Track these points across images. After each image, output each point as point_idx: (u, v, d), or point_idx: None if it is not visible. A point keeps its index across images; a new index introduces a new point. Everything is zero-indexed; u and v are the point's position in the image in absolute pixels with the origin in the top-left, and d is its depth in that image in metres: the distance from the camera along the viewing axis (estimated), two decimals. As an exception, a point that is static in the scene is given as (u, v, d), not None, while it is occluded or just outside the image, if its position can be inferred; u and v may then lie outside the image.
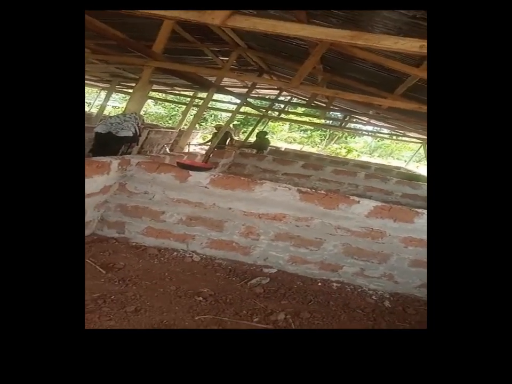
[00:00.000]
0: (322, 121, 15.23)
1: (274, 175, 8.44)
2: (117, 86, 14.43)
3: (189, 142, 12.63)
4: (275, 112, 16.29)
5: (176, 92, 15.80)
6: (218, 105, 21.82)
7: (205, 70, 9.21)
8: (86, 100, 20.47)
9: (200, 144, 13.12)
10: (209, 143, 10.87)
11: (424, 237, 3.62)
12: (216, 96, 13.87)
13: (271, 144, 13.82)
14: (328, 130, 26.43)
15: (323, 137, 28.50)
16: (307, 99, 10.99)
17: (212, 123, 25.72)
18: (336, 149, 25.90)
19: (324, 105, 11.64)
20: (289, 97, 15.39)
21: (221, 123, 14.89)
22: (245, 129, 24.65)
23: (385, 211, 3.70)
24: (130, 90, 12.88)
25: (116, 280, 3.08)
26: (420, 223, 3.65)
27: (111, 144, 5.22)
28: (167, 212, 3.93)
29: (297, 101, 15.08)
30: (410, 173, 11.96)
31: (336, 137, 27.09)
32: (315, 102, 11.52)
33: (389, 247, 3.72)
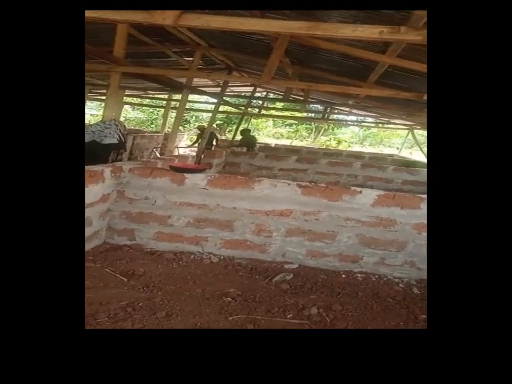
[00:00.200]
0: (304, 114, 15.25)
1: (270, 172, 8.41)
2: (88, 94, 14.28)
3: (177, 145, 12.56)
4: (255, 109, 16.28)
5: (151, 96, 15.74)
6: (197, 106, 21.71)
7: (172, 71, 9.20)
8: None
9: (189, 147, 13.04)
10: (197, 145, 10.81)
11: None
12: (192, 97, 13.84)
13: (259, 141, 13.80)
14: (313, 123, 26.52)
15: (310, 131, 28.60)
16: (283, 94, 10.97)
17: (194, 124, 25.61)
18: (326, 141, 25.96)
19: (302, 98, 11.64)
20: (264, 93, 15.36)
21: (204, 124, 14.82)
22: (230, 128, 24.60)
23: (390, 199, 3.70)
24: (104, 97, 12.76)
25: (140, 287, 3.03)
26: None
27: (98, 152, 5.18)
28: (172, 215, 3.89)
29: (274, 96, 15.08)
30: (405, 160, 12.03)
31: (323, 130, 27.20)
32: (292, 96, 11.52)
33: (403, 235, 3.72)
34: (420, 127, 13.44)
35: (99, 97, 15.20)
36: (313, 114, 17.13)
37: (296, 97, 12.67)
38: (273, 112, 20.88)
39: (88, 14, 2.89)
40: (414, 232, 3.72)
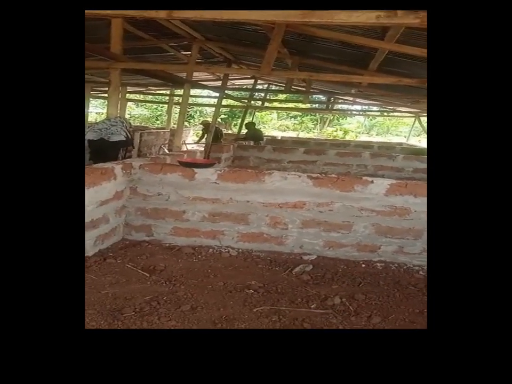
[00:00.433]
0: (308, 105, 15.15)
1: (280, 165, 8.41)
2: (91, 92, 14.27)
3: (184, 141, 12.57)
4: (258, 101, 16.27)
5: (153, 92, 15.70)
6: (200, 100, 21.63)
7: (171, 66, 9.16)
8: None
9: (196, 142, 13.05)
10: (204, 140, 10.81)
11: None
12: (194, 92, 13.82)
13: (265, 134, 13.77)
14: (317, 114, 26.41)
15: (315, 122, 28.50)
16: (284, 85, 10.93)
17: (199, 119, 25.58)
18: (332, 131, 25.82)
19: (304, 89, 11.58)
20: (266, 85, 15.30)
21: (208, 119, 14.81)
22: (235, 122, 24.56)
23: (402, 188, 3.70)
24: (106, 94, 12.80)
25: (162, 281, 3.06)
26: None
27: (106, 150, 5.21)
28: (187, 211, 3.92)
29: (276, 88, 15.02)
30: (414, 148, 11.95)
31: (328, 120, 27.08)
32: (294, 87, 11.46)
33: (418, 223, 3.72)
34: (426, 114, 13.38)
35: (102, 95, 15.20)
36: (317, 105, 17.06)
37: (298, 88, 12.63)
38: (276, 104, 20.77)
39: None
40: (430, 220, 3.72)
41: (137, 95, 16.86)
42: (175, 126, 12.53)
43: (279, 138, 14.32)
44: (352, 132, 26.59)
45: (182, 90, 9.72)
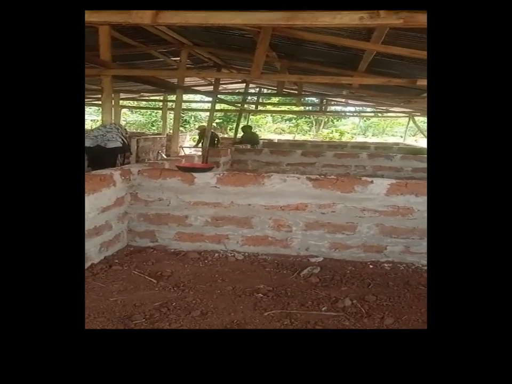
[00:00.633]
0: (302, 108, 15.20)
1: (279, 167, 8.40)
2: (84, 99, 14.22)
3: (181, 146, 12.56)
4: (251, 105, 16.26)
5: (147, 98, 15.67)
6: (194, 105, 21.66)
7: (162, 72, 9.16)
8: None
9: (193, 147, 13.04)
10: (200, 145, 10.80)
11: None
12: (187, 97, 13.81)
13: (261, 137, 13.76)
14: (312, 116, 26.45)
15: (310, 124, 28.54)
16: (276, 88, 10.95)
17: (194, 124, 25.55)
18: (328, 133, 25.87)
19: (296, 92, 11.62)
20: (257, 89, 15.32)
21: (204, 124, 14.80)
22: (231, 126, 24.56)
23: (403, 187, 3.69)
24: (100, 102, 12.80)
25: (170, 287, 3.04)
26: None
27: (103, 157, 5.21)
28: (189, 215, 3.90)
29: (268, 92, 15.06)
30: (411, 147, 11.99)
31: (323, 122, 27.13)
32: (285, 90, 11.49)
33: (422, 222, 3.70)
34: (419, 113, 13.43)
35: (95, 102, 15.18)
36: (310, 108, 17.09)
37: (290, 91, 12.66)
38: (270, 107, 20.81)
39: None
40: (434, 219, 3.71)
41: (131, 102, 16.84)
42: (171, 131, 12.54)
43: (276, 141, 14.32)
44: (348, 133, 26.65)
45: (175, 96, 9.72)
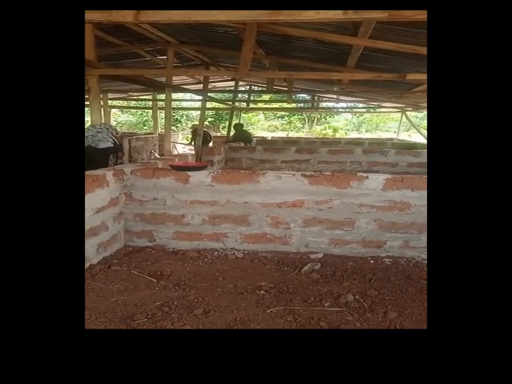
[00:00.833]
0: (294, 105, 15.10)
1: (273, 165, 8.40)
2: None
3: (174, 144, 12.50)
4: (242, 103, 16.17)
5: (136, 98, 15.54)
6: (184, 104, 21.52)
7: (149, 71, 9.07)
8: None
9: (187, 144, 12.99)
10: (194, 143, 10.75)
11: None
12: (177, 95, 13.72)
13: (255, 135, 13.73)
14: (304, 113, 26.41)
15: (303, 121, 28.52)
16: (266, 86, 10.89)
17: (186, 123, 25.46)
18: (321, 130, 25.83)
19: (286, 89, 11.58)
20: (248, 87, 15.25)
21: (196, 123, 14.73)
22: (223, 125, 24.49)
23: (398, 182, 3.69)
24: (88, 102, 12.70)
25: (171, 286, 3.02)
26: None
27: (95, 157, 5.14)
28: (186, 214, 3.88)
29: (258, 89, 14.97)
30: (405, 142, 12.02)
31: (316, 119, 27.10)
32: (276, 87, 11.42)
33: (420, 216, 3.71)
34: (411, 108, 13.45)
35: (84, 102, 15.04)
36: (302, 105, 17.03)
37: (280, 88, 12.61)
38: (261, 105, 20.72)
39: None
40: (431, 213, 3.72)
41: (121, 102, 16.69)
42: (163, 131, 12.47)
43: (269, 138, 14.30)
44: (341, 129, 26.65)
45: (164, 95, 9.66)
